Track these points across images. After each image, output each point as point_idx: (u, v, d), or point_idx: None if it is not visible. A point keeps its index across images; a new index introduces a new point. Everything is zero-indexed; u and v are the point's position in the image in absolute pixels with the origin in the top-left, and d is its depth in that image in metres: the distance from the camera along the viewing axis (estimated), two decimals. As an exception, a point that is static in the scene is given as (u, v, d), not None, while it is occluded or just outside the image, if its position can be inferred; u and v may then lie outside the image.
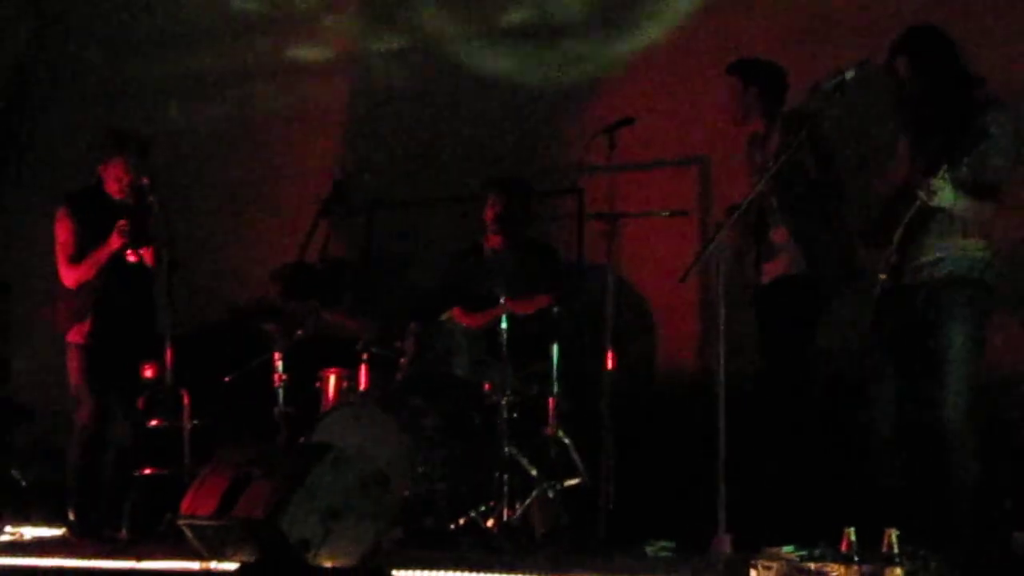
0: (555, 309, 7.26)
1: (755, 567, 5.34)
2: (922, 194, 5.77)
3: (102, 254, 7.32)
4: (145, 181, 7.29)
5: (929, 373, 5.89)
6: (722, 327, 5.95)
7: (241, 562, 5.73)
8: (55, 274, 7.54)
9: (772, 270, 6.77)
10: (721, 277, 5.94)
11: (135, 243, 7.32)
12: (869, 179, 6.99)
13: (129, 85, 10.14)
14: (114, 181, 7.40)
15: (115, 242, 7.29)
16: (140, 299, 7.48)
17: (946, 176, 5.71)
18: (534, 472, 6.91)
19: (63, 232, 7.45)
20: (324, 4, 9.75)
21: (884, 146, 6.36)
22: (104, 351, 7.38)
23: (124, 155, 7.39)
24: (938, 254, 5.87)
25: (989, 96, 5.89)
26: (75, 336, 7.40)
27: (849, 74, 5.87)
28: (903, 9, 7.33)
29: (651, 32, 8.66)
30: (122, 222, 7.27)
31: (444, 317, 7.73)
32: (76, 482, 7.39)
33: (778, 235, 6.77)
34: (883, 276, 5.96)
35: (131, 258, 7.36)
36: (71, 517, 7.35)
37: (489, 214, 7.76)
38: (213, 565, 5.94)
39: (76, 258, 7.38)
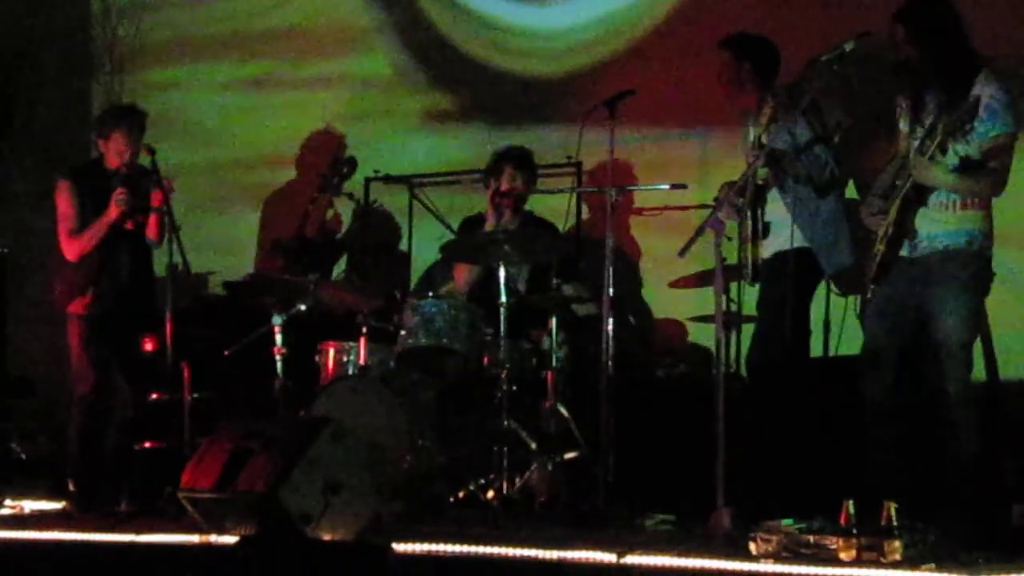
0: (556, 282, 7.26)
1: (754, 540, 5.36)
2: (915, 172, 5.78)
3: (101, 224, 7.32)
4: (146, 153, 7.28)
5: (926, 346, 5.90)
6: (720, 300, 5.95)
7: (241, 535, 5.74)
8: (52, 248, 7.54)
9: (770, 245, 6.76)
10: (719, 251, 5.94)
11: (133, 212, 7.33)
12: (870, 151, 7.00)
13: (128, 55, 10.14)
14: (115, 155, 7.40)
15: (113, 211, 7.29)
16: (140, 271, 7.49)
17: (936, 155, 5.71)
18: (533, 445, 6.92)
19: (64, 204, 7.45)
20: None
21: (884, 117, 6.34)
22: (105, 322, 7.38)
23: (124, 128, 7.39)
24: (935, 227, 5.87)
25: (983, 67, 5.88)
26: (76, 307, 7.41)
27: (849, 46, 5.87)
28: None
29: (653, 6, 8.66)
30: (119, 191, 7.27)
31: (443, 290, 7.73)
32: (77, 454, 7.40)
33: (774, 210, 6.76)
34: (881, 248, 5.96)
35: (128, 225, 7.36)
36: (72, 489, 7.36)
37: (504, 186, 7.69)
38: (213, 538, 5.94)
39: (77, 230, 7.38)
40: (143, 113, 7.54)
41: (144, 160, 7.34)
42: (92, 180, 7.45)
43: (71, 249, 7.40)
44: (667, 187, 7.60)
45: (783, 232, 6.69)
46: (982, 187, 5.84)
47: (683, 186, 7.51)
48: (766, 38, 7.02)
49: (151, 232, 7.40)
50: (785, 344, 6.70)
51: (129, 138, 7.37)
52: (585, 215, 8.39)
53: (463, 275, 7.69)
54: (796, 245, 6.67)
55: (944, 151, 5.74)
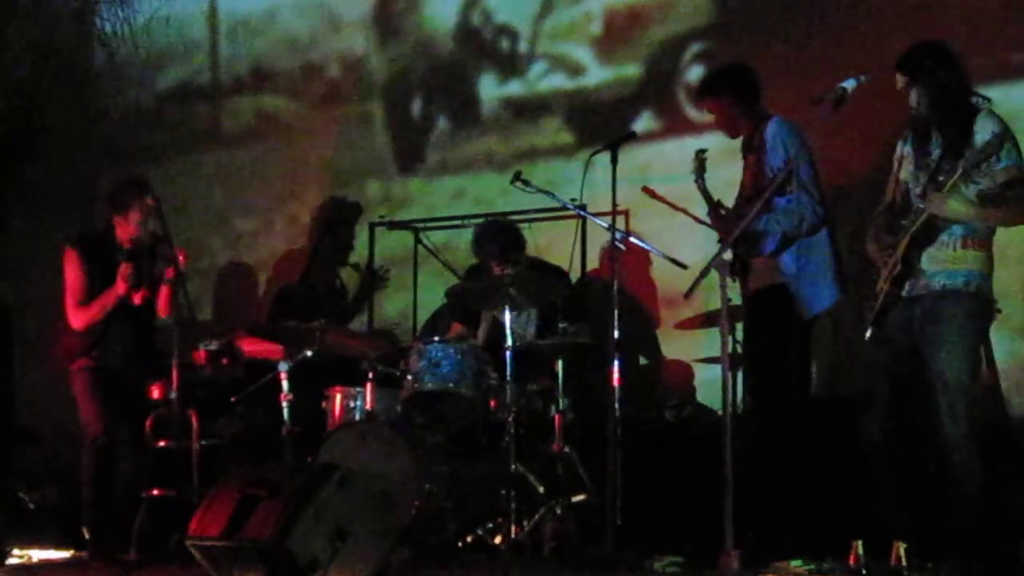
0: (561, 325, 7.26)
1: (763, 581, 5.35)
2: (931, 206, 5.75)
3: (108, 298, 7.33)
4: (151, 202, 7.28)
5: (927, 387, 5.87)
6: (726, 341, 5.93)
7: (250, 583, 5.74)
8: (57, 298, 7.53)
9: (754, 281, 6.77)
10: (724, 292, 5.93)
11: (139, 286, 7.34)
12: (868, 192, 7.00)
13: (133, 109, 10.21)
14: (135, 227, 7.38)
15: (120, 287, 7.30)
16: (143, 337, 7.49)
17: (956, 188, 5.70)
18: (541, 489, 6.91)
19: (71, 274, 7.45)
20: (332, 27, 9.83)
21: (885, 156, 6.35)
22: (110, 371, 7.38)
23: (142, 204, 7.38)
24: (933, 266, 5.86)
25: (980, 105, 5.90)
26: (80, 363, 7.41)
27: (850, 85, 5.87)
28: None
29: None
30: (125, 267, 7.28)
31: (449, 335, 7.74)
32: (91, 500, 7.37)
33: None
34: (885, 287, 5.95)
35: (136, 300, 7.35)
36: (87, 536, 7.34)
37: (496, 272, 7.67)
38: (221, 586, 5.94)
39: (84, 301, 7.39)
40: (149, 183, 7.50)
41: (152, 224, 7.34)
42: (100, 249, 7.46)
43: (78, 319, 7.40)
44: (668, 258, 7.49)
45: (763, 268, 6.70)
46: (1005, 215, 5.83)
47: (683, 266, 7.38)
48: (736, 65, 7.05)
49: (161, 309, 7.42)
50: (763, 385, 6.70)
51: (146, 213, 7.37)
52: (591, 259, 8.41)
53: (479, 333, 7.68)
54: (776, 281, 6.68)
55: (960, 188, 5.73)
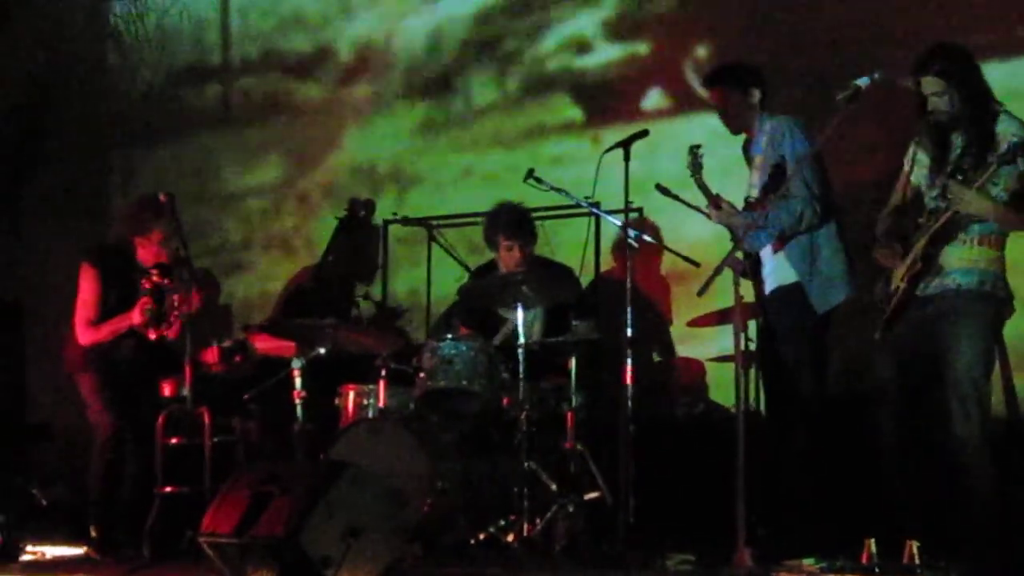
0: (574, 323, 7.24)
1: (776, 580, 5.34)
2: (959, 201, 5.69)
3: (122, 324, 7.31)
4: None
5: (940, 385, 5.85)
6: (739, 339, 5.93)
7: (262, 580, 5.74)
8: (70, 297, 7.52)
9: (768, 280, 6.76)
10: (737, 289, 5.92)
11: (156, 322, 7.27)
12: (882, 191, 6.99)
13: (144, 90, 10.24)
14: (156, 247, 7.35)
15: (136, 319, 7.25)
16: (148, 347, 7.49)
17: (987, 185, 5.67)
18: (554, 486, 6.90)
19: (86, 291, 7.40)
20: (342, 6, 9.86)
21: (897, 155, 6.33)
22: (116, 369, 7.39)
23: (164, 223, 7.31)
24: (949, 265, 5.84)
25: (998, 108, 5.88)
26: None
27: (863, 83, 5.85)
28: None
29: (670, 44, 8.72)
30: (145, 300, 7.23)
31: (461, 333, 7.74)
32: (98, 498, 7.38)
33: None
34: (902, 284, 5.93)
35: (151, 336, 7.30)
36: (94, 534, 7.35)
37: (505, 258, 7.68)
38: (234, 583, 5.94)
39: (96, 321, 7.35)
40: (173, 197, 7.35)
41: (174, 243, 7.34)
42: (119, 265, 7.42)
43: (86, 336, 7.37)
44: (683, 256, 7.50)
45: (774, 268, 6.69)
46: (1020, 219, 5.80)
47: (695, 263, 7.37)
48: (745, 64, 7.03)
49: (173, 333, 7.38)
50: (778, 383, 6.69)
51: (169, 230, 7.31)
52: (605, 257, 8.41)
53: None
54: (786, 281, 6.66)
55: (988, 186, 5.69)
